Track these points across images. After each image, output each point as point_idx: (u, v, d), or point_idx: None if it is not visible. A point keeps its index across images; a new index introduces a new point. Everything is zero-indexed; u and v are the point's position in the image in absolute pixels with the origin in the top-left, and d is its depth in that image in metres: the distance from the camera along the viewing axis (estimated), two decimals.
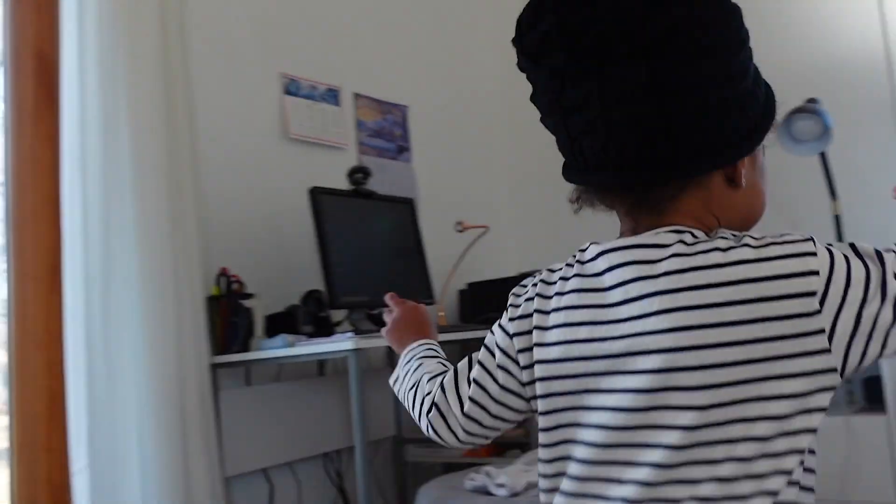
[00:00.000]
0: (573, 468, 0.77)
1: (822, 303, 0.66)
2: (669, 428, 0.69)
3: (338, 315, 2.40)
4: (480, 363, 0.89)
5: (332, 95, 2.67)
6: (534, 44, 0.76)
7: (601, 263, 0.78)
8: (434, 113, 3.19)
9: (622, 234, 0.81)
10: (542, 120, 0.85)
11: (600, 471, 0.74)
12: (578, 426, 0.77)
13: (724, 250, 0.70)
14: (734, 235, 0.73)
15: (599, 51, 0.71)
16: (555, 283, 0.83)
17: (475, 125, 3.44)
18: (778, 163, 2.88)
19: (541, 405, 0.81)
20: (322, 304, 2.27)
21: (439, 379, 0.95)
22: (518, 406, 0.87)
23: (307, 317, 2.21)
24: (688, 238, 0.73)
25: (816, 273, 0.67)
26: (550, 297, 0.82)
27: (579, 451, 0.76)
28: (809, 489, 0.70)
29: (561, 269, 0.84)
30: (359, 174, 2.34)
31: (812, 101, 2.49)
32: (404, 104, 3.02)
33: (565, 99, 0.76)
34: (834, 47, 2.77)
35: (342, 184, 2.41)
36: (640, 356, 0.71)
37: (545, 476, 0.80)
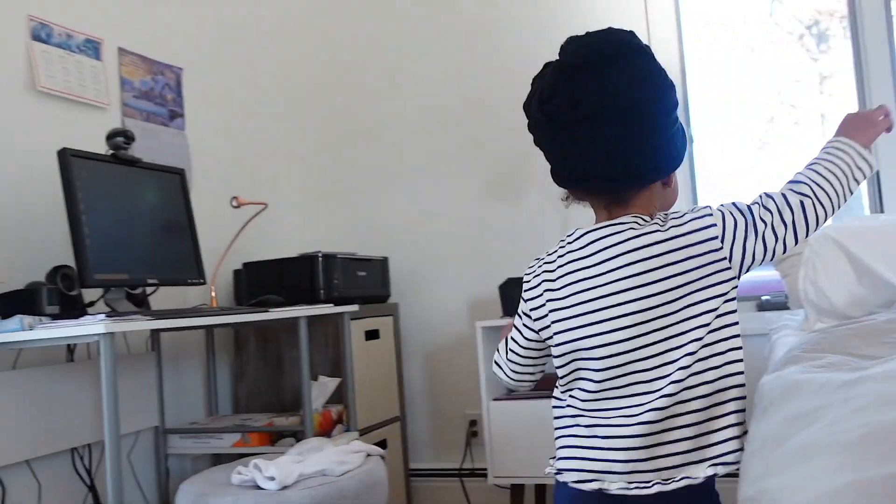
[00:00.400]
0: (594, 364, 1.15)
1: (722, 241, 1.10)
2: (660, 329, 1.10)
3: (93, 294, 2.14)
4: (515, 327, 1.31)
5: (91, 47, 2.37)
6: (553, 109, 1.15)
7: (584, 240, 1.18)
8: (212, 78, 2.97)
9: (598, 221, 1.21)
10: (536, 143, 1.24)
11: (624, 358, 1.12)
12: (585, 350, 1.15)
13: (662, 223, 1.13)
14: (665, 215, 1.15)
15: (593, 114, 1.12)
16: (554, 261, 1.21)
17: (258, 95, 3.25)
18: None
19: (555, 351, 1.21)
20: (72, 281, 2.02)
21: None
22: (540, 352, 1.29)
23: (53, 296, 1.94)
24: (639, 220, 1.15)
25: (714, 225, 1.11)
26: (554, 271, 1.20)
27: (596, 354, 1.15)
28: (739, 348, 1.11)
29: (555, 251, 1.23)
30: (120, 138, 2.09)
31: None
32: (178, 66, 2.77)
33: (565, 138, 1.17)
34: None
35: (101, 147, 2.15)
36: (623, 292, 1.11)
37: (560, 391, 1.23)
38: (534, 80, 1.23)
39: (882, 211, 2.67)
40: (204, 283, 2.34)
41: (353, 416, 2.52)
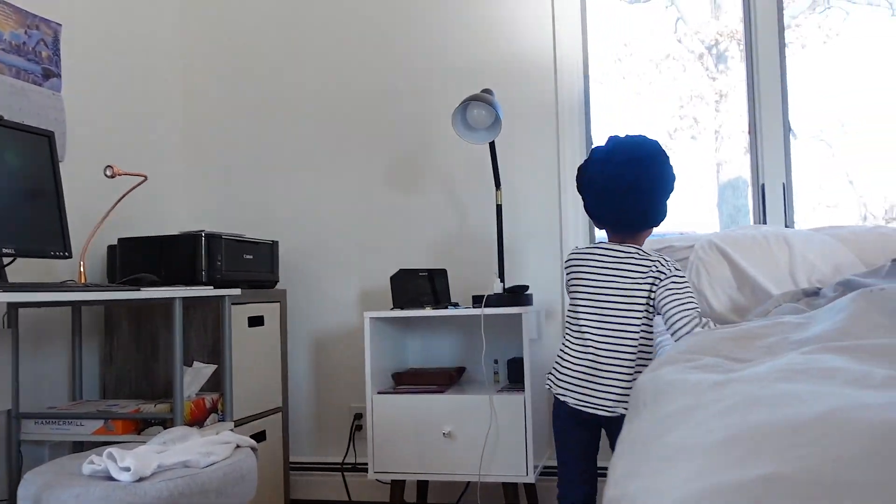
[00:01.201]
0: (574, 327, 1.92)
1: (657, 285, 1.84)
2: (621, 308, 1.85)
3: None
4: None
5: None
6: (614, 183, 1.86)
7: (605, 250, 1.91)
8: (94, 38, 2.76)
9: (610, 241, 1.95)
10: (580, 190, 1.97)
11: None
12: (583, 305, 1.91)
13: (637, 251, 1.89)
14: (639, 250, 1.90)
15: (638, 187, 1.84)
16: (585, 253, 1.94)
17: (143, 60, 3.06)
18: (451, 151, 2.98)
19: (570, 298, 1.96)
20: None
21: None
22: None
23: None
24: (632, 248, 1.89)
25: (664, 273, 1.84)
26: (582, 258, 1.93)
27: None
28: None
29: (587, 248, 1.94)
30: None
31: (487, 91, 2.59)
32: (56, 21, 2.56)
33: (612, 198, 1.87)
34: (510, 44, 2.94)
35: None
36: (612, 280, 1.87)
37: (566, 329, 1.97)
38: (590, 161, 1.94)
39: (765, 222, 2.76)
40: (69, 257, 2.16)
41: (228, 405, 2.39)
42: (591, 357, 1.83)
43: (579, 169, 1.98)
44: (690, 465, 0.63)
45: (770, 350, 1.15)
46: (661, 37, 3.12)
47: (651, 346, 1.88)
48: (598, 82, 3.10)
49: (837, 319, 1.24)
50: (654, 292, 1.82)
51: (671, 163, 1.91)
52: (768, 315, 1.92)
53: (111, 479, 1.61)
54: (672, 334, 1.79)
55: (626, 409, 1.77)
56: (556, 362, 1.91)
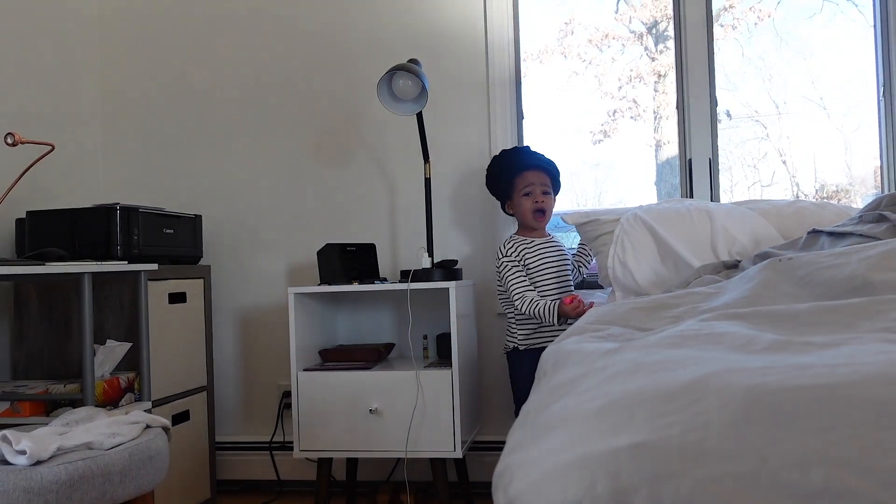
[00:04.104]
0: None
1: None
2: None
3: None
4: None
5: None
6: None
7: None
8: None
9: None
10: (489, 190, 2.59)
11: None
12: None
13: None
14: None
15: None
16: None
17: (58, 19, 2.90)
18: (380, 123, 2.90)
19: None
20: None
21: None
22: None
23: None
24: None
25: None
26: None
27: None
28: None
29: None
30: None
31: (413, 61, 2.53)
32: None
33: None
34: (440, 15, 2.87)
35: None
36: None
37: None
38: (494, 164, 2.53)
39: (692, 197, 2.78)
40: None
41: (145, 384, 2.31)
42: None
43: (490, 174, 2.55)
44: (566, 434, 0.60)
45: (677, 319, 1.14)
46: (602, 15, 3.10)
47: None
48: (535, 59, 3.07)
49: (745, 289, 1.24)
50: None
51: (559, 179, 2.53)
52: (688, 287, 1.93)
53: (7, 463, 1.52)
54: None
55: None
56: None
